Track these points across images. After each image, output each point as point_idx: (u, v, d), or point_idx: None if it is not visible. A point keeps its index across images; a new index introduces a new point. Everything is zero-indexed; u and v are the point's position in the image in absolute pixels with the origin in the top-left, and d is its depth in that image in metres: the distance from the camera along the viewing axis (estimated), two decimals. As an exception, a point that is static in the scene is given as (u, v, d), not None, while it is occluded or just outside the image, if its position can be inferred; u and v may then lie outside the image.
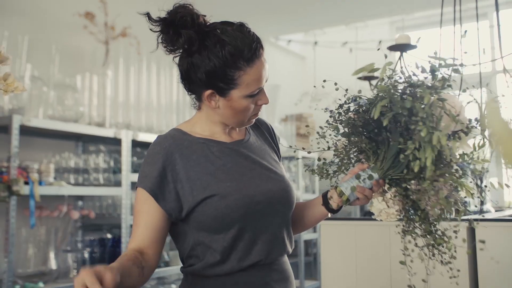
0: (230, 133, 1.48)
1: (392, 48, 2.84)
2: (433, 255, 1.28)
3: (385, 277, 2.28)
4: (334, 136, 1.38)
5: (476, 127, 1.30)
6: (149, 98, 3.84)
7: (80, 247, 3.29)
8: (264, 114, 4.98)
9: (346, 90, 1.34)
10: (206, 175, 1.37)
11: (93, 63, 3.71)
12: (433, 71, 1.27)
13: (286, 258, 1.49)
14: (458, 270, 1.25)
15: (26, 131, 3.03)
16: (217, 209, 1.34)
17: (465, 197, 1.27)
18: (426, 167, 1.18)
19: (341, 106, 1.36)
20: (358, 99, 1.33)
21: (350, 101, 1.35)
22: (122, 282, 1.17)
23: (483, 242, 1.30)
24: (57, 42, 3.42)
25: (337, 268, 2.43)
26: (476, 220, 2.17)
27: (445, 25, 3.24)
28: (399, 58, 2.88)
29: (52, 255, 3.09)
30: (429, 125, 1.18)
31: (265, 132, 1.59)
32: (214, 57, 1.32)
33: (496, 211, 3.09)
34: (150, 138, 3.51)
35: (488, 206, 3.08)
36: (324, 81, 1.39)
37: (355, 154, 1.41)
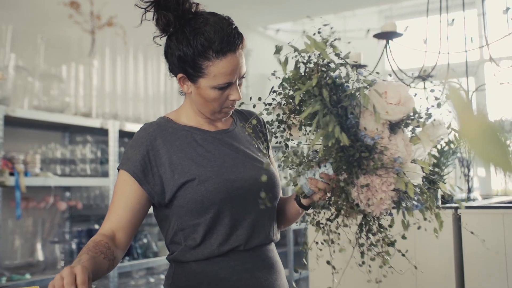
0: (215, 123, 1.51)
1: (378, 36, 2.84)
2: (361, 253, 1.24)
3: (372, 265, 2.28)
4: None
5: (426, 119, 1.21)
6: (136, 88, 3.81)
7: (68, 238, 3.27)
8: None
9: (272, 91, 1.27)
10: (187, 160, 1.40)
11: (79, 53, 3.68)
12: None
13: (272, 246, 1.50)
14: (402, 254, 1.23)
15: (11, 121, 2.99)
16: (197, 193, 1.36)
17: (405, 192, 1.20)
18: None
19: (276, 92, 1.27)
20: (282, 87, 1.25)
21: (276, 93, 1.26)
22: (92, 276, 1.19)
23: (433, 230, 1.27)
24: (42, 32, 3.38)
25: (325, 257, 2.44)
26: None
27: (434, 14, 3.25)
28: (385, 46, 2.88)
29: (39, 246, 3.06)
30: (327, 109, 1.11)
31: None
32: (186, 43, 1.36)
33: (483, 199, 3.11)
34: (137, 128, 3.46)
35: (475, 194, 3.10)
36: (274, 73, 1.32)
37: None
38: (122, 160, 1.42)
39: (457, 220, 2.15)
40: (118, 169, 1.43)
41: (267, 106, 1.28)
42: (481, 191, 4.20)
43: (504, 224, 2.03)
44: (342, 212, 1.21)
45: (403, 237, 1.24)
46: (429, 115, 1.20)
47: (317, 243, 1.28)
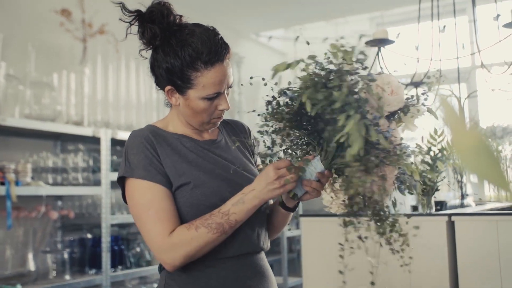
0: (202, 133, 1.51)
1: (370, 43, 2.84)
2: (388, 243, 1.25)
3: (366, 273, 2.27)
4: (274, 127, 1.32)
5: (417, 105, 1.28)
6: (128, 96, 3.79)
7: (60, 248, 3.24)
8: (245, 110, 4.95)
9: (276, 84, 1.30)
10: (181, 164, 1.40)
11: (71, 61, 3.66)
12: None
13: (262, 255, 1.51)
14: (410, 257, 1.24)
15: (2, 130, 2.97)
16: (193, 196, 1.36)
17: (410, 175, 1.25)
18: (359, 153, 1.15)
19: (269, 102, 1.31)
20: (287, 91, 1.29)
21: (279, 95, 1.30)
22: None
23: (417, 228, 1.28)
24: (33, 40, 3.36)
25: (319, 264, 2.43)
26: (455, 214, 2.18)
27: (425, 21, 3.26)
28: (377, 53, 2.88)
29: (30, 256, 3.03)
30: (349, 112, 1.13)
31: (240, 133, 1.61)
32: (173, 55, 1.36)
33: (477, 205, 3.11)
34: (130, 136, 3.46)
35: (468, 200, 3.10)
36: (251, 77, 1.37)
37: (303, 147, 1.33)
38: (128, 169, 1.37)
39: (451, 227, 2.15)
40: (125, 178, 1.39)
41: (267, 116, 1.29)
42: (474, 197, 4.21)
43: (498, 231, 2.02)
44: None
45: (408, 216, 1.24)
46: (425, 98, 1.26)
47: (343, 242, 1.27)
